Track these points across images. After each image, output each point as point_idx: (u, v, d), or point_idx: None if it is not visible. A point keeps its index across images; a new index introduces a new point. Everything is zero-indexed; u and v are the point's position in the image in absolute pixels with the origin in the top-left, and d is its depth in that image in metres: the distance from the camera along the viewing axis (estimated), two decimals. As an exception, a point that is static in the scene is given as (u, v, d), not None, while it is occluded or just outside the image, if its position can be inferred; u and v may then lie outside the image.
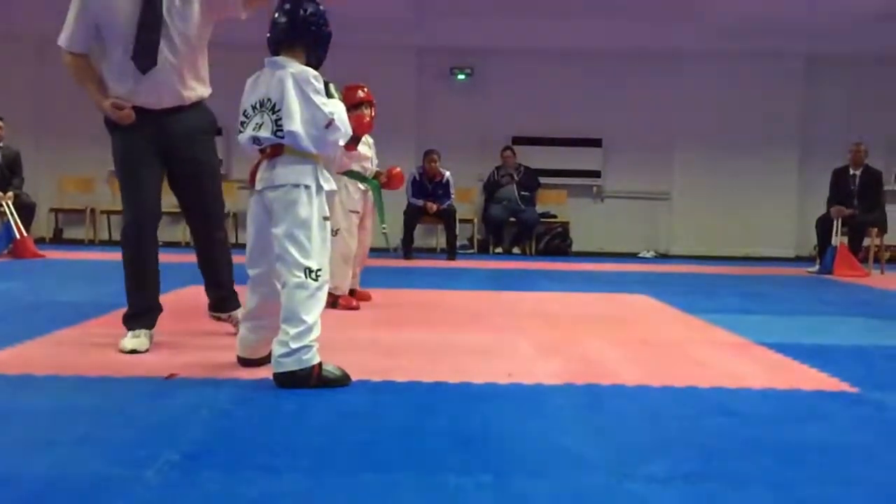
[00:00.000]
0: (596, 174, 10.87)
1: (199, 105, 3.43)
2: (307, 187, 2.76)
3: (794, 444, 2.24)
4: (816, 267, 8.39)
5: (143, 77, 3.24)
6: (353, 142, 4.62)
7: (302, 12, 2.84)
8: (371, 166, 4.97)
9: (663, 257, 10.35)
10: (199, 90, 3.41)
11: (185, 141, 3.36)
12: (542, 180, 10.55)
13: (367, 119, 4.59)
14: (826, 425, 2.46)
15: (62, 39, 3.30)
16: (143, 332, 3.29)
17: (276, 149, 2.79)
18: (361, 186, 4.87)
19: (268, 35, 2.89)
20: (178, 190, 3.49)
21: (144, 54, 3.23)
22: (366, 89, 4.63)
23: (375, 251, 5.58)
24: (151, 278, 3.39)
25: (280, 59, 2.84)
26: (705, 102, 10.60)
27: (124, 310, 3.41)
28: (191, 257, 3.64)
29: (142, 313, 3.34)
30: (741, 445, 2.21)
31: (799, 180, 10.75)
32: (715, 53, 10.39)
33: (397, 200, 8.80)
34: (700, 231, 10.73)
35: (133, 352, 3.19)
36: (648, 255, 10.46)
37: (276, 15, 2.87)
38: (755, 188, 10.69)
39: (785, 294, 6.39)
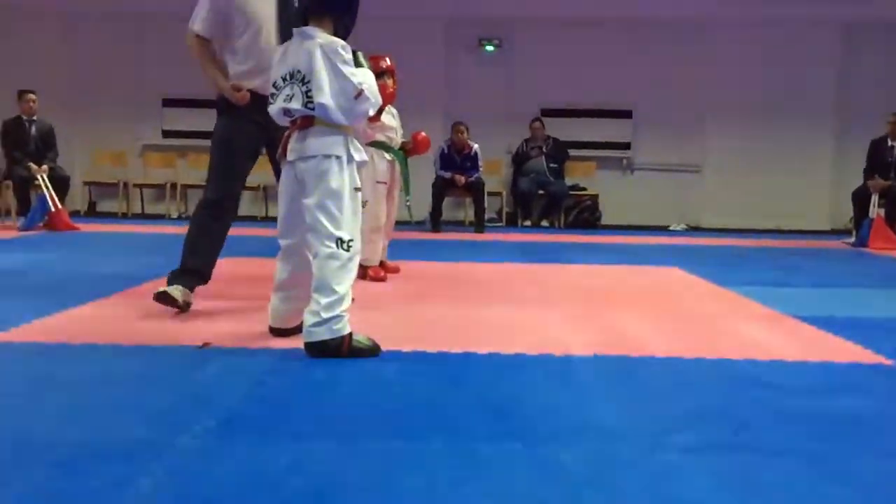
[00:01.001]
0: (626, 146, 10.74)
1: None
2: (338, 158, 2.77)
3: (828, 416, 2.21)
4: (852, 239, 8.25)
5: (262, 61, 3.36)
6: (377, 112, 4.60)
7: (330, -19, 2.83)
8: (396, 136, 4.95)
9: (694, 230, 10.23)
10: None
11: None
12: (571, 152, 10.44)
13: (390, 89, 4.57)
14: (861, 397, 2.43)
15: (195, 24, 3.52)
16: (179, 287, 3.38)
17: (307, 120, 2.79)
18: (388, 157, 4.86)
19: (295, 5, 2.88)
20: (277, 168, 3.64)
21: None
22: (388, 59, 4.61)
23: (400, 224, 5.57)
24: (214, 250, 3.56)
25: (308, 29, 2.83)
26: (738, 72, 10.38)
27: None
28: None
29: (189, 273, 3.47)
30: (774, 417, 2.19)
31: (834, 151, 10.53)
32: (747, 21, 10.15)
33: (426, 173, 8.79)
34: (732, 203, 10.56)
35: (164, 294, 3.30)
36: (679, 227, 10.35)
37: (305, -16, 2.86)
38: (789, 159, 10.48)
39: (819, 267, 6.29)
